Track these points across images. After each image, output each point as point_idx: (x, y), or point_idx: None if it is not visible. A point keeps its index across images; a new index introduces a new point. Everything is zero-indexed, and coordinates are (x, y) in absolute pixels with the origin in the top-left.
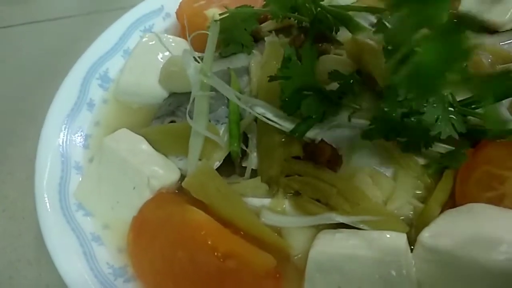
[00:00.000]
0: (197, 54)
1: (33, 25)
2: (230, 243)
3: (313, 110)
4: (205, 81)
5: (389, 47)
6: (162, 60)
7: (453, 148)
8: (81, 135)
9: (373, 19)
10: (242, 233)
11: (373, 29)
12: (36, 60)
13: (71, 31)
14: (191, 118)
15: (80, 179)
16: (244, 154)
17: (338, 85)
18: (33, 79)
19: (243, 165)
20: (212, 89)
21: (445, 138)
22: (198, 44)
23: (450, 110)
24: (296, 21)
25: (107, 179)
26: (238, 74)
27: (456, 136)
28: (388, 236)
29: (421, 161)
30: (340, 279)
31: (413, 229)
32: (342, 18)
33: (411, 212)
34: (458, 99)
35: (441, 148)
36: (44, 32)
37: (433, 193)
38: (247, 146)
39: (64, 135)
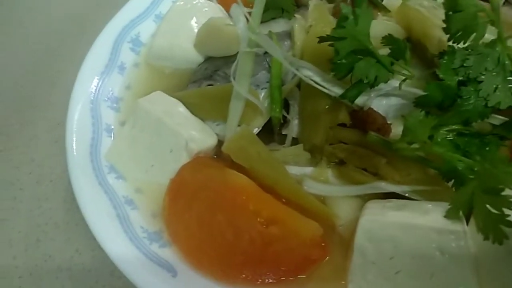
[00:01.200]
0: (246, 10)
1: None
2: (273, 209)
3: (365, 74)
4: (252, 38)
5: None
6: (196, 25)
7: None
8: (112, 98)
9: None
10: (284, 200)
11: None
12: (61, 26)
13: None
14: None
15: (112, 141)
16: (285, 121)
17: (389, 51)
18: (57, 45)
19: (283, 132)
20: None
21: (504, 108)
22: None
23: (511, 79)
24: None
25: (141, 141)
26: (279, 39)
27: None
28: (443, 206)
29: None
30: (393, 250)
31: None
32: None
33: None
34: None
35: (496, 119)
36: None
37: None
38: (287, 113)
39: (95, 97)
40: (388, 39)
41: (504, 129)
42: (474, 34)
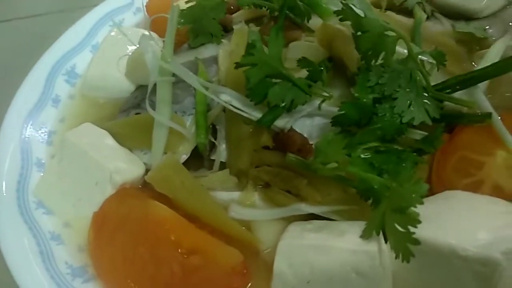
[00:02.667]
0: (157, 39)
1: (1, 24)
2: (194, 239)
3: (281, 99)
4: (165, 67)
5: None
6: (130, 54)
7: (428, 133)
8: (44, 131)
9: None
10: (208, 228)
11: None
12: (2, 58)
13: (41, 29)
14: (154, 109)
15: (41, 176)
16: (213, 147)
17: (307, 73)
18: None
19: (211, 157)
20: (178, 78)
21: (417, 124)
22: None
23: (424, 95)
24: (268, 10)
25: (68, 175)
26: (207, 64)
27: (430, 122)
28: (360, 226)
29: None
30: (310, 273)
31: None
32: (311, 3)
33: None
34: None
35: (416, 134)
36: (13, 31)
37: None
38: (215, 138)
39: (26, 131)
40: (303, 62)
41: (424, 143)
42: (383, 52)
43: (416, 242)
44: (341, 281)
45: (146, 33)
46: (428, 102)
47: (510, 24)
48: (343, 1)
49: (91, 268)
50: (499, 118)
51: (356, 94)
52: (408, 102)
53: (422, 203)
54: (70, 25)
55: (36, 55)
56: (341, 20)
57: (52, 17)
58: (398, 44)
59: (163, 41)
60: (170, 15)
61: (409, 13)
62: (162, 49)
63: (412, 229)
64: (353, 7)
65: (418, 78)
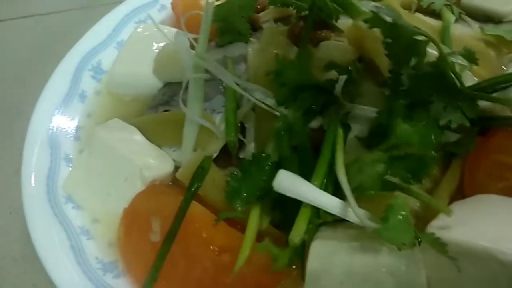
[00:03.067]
0: (191, 36)
1: (22, 20)
2: (225, 236)
3: (311, 102)
4: (200, 63)
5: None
6: (156, 51)
7: (461, 135)
8: (72, 127)
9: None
10: (239, 225)
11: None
12: (25, 56)
13: (62, 26)
14: (185, 106)
15: (70, 171)
16: (242, 145)
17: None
18: (22, 74)
19: (240, 156)
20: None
21: (455, 127)
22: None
23: (459, 96)
24: (295, 10)
25: (97, 170)
26: (235, 63)
27: (467, 123)
28: None
29: None
30: (344, 273)
31: (420, 222)
32: (342, 3)
33: (418, 204)
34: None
35: (450, 135)
36: (34, 28)
37: (440, 184)
38: (244, 137)
39: (54, 126)
40: (330, 65)
41: (457, 146)
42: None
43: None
44: (376, 283)
45: (174, 29)
46: (464, 104)
47: None
48: (373, 10)
49: (121, 263)
50: None
51: (391, 101)
52: (444, 104)
53: None
54: (92, 22)
55: (58, 52)
56: (370, 27)
57: (74, 14)
58: (428, 47)
59: (193, 38)
60: (205, 12)
61: (436, 15)
62: (197, 46)
63: (447, 233)
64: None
65: (451, 80)
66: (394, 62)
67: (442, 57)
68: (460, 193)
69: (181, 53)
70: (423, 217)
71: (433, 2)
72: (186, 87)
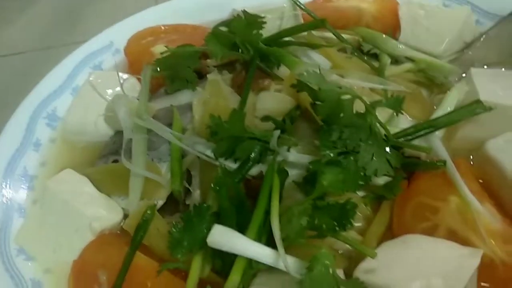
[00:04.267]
0: (131, 96)
1: None
2: (169, 286)
3: (249, 153)
4: (139, 124)
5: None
6: (109, 98)
7: (390, 179)
8: (25, 177)
9: (314, 54)
10: (183, 273)
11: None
12: None
13: (21, 67)
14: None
15: (22, 223)
16: (188, 192)
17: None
18: None
19: (187, 203)
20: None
21: (381, 176)
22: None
23: (385, 146)
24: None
25: (50, 222)
26: (182, 111)
27: (392, 173)
28: None
29: (360, 193)
30: None
31: (353, 262)
32: (278, 54)
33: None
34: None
35: (379, 179)
36: None
37: (370, 226)
38: (190, 184)
39: (7, 178)
40: (265, 119)
41: (385, 190)
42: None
43: None
44: None
45: (126, 75)
46: (389, 153)
47: (467, 67)
48: (297, 77)
49: None
50: (453, 164)
51: (321, 152)
52: (371, 154)
53: None
54: (50, 64)
55: (17, 93)
56: (298, 91)
57: (31, 56)
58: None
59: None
60: (143, 74)
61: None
62: (137, 106)
63: (371, 277)
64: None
65: (377, 130)
66: (322, 119)
67: (367, 110)
68: (390, 232)
69: (118, 115)
70: (356, 258)
71: (372, 48)
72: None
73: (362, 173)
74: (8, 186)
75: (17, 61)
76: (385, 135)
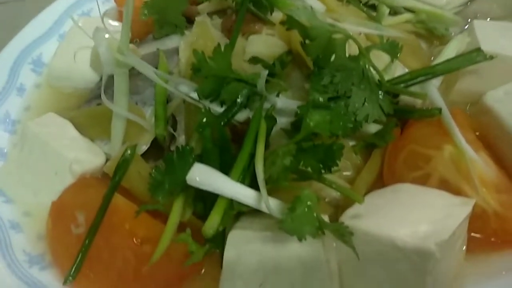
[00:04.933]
0: (113, 30)
1: None
2: (148, 228)
3: (235, 96)
4: (120, 59)
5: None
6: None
7: (381, 127)
8: (8, 121)
9: None
10: (162, 217)
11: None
12: None
13: (4, 17)
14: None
15: (2, 165)
16: (173, 138)
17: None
18: None
19: (171, 149)
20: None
21: (372, 121)
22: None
23: (378, 91)
24: (233, 2)
25: (29, 164)
26: (169, 55)
27: (384, 119)
28: None
29: (350, 142)
30: (258, 262)
31: (340, 210)
32: None
33: (337, 193)
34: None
35: (371, 127)
36: None
37: (360, 173)
38: (175, 129)
39: None
40: (253, 60)
41: (376, 137)
42: (333, 55)
43: (350, 234)
44: (287, 271)
45: (116, 23)
46: (382, 98)
47: (470, 20)
48: (287, 13)
49: (48, 256)
50: (449, 112)
51: (311, 97)
52: (363, 99)
53: None
54: (35, 14)
55: (2, 44)
56: (287, 29)
57: (15, 5)
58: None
59: None
60: (125, 7)
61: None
62: (119, 41)
63: (357, 222)
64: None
65: (370, 74)
66: (314, 60)
67: (361, 52)
68: (380, 182)
69: (98, 49)
70: (343, 206)
71: None
72: (113, 82)
73: (352, 119)
74: None
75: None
76: (378, 80)
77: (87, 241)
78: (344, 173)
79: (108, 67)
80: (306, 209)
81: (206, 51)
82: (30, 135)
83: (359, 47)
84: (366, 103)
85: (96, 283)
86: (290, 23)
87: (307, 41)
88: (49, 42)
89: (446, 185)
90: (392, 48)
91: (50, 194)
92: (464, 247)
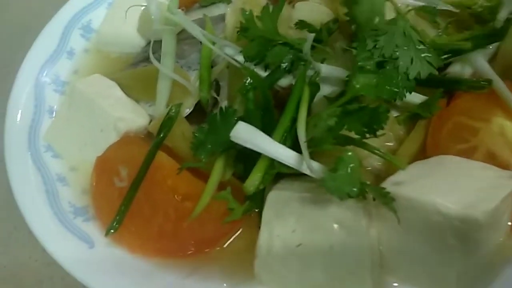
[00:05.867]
0: None
1: None
2: (189, 185)
3: (280, 60)
4: (169, 18)
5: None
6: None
7: (427, 97)
8: (58, 81)
9: None
10: (205, 176)
11: None
12: (18, 13)
13: None
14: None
15: (51, 122)
16: (216, 102)
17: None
18: (13, 33)
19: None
20: (186, 34)
21: (425, 77)
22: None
23: (422, 48)
24: None
25: (76, 121)
26: (215, 22)
27: (435, 72)
28: None
29: (394, 113)
30: (296, 222)
31: (381, 179)
32: None
33: (379, 163)
34: None
35: (415, 97)
36: None
37: (403, 143)
38: (218, 94)
39: (40, 80)
40: (300, 24)
41: (421, 108)
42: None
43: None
44: (324, 232)
45: None
46: (429, 54)
47: None
48: None
49: (91, 209)
50: (502, 82)
51: (359, 63)
52: (410, 58)
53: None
54: None
55: (51, 12)
56: None
57: None
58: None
59: None
60: None
61: None
62: (169, 1)
63: (399, 188)
64: None
65: (412, 34)
66: (356, 25)
67: (399, 13)
68: (423, 154)
69: (150, 7)
70: (385, 175)
71: None
72: (160, 43)
73: (405, 78)
74: (40, 88)
75: None
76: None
77: (129, 195)
78: (387, 144)
79: (157, 25)
80: (348, 169)
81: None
82: (77, 93)
83: (397, 9)
84: (414, 62)
85: (136, 236)
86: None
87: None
88: (98, 10)
89: (493, 159)
90: (430, 9)
91: (95, 150)
92: (510, 223)
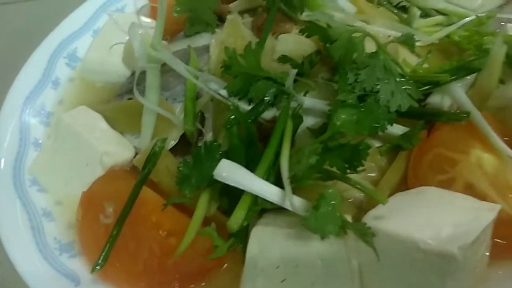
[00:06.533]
0: (149, 26)
1: (2, 7)
2: (174, 221)
3: (263, 94)
4: (153, 54)
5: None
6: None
7: (408, 129)
8: (43, 113)
9: None
10: (189, 212)
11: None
12: (5, 41)
13: (39, 13)
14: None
15: (36, 155)
16: (201, 134)
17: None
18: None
19: (199, 145)
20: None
21: (405, 109)
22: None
23: (402, 80)
24: (264, 1)
25: (62, 154)
26: (200, 53)
27: (416, 104)
28: None
29: (376, 143)
30: (280, 258)
31: (363, 212)
32: None
33: (361, 194)
34: None
35: (397, 129)
36: (12, 14)
37: (384, 175)
38: (203, 126)
39: (25, 112)
40: (282, 59)
41: (402, 140)
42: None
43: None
44: (308, 268)
45: (149, 19)
46: (409, 87)
47: (502, 24)
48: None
49: (77, 244)
50: (480, 114)
51: (339, 97)
52: (390, 91)
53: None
54: (71, 10)
55: (37, 39)
56: (307, 36)
57: (50, 1)
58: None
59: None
60: (159, 3)
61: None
62: (152, 37)
63: (379, 222)
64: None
65: (393, 67)
66: (337, 63)
67: (379, 47)
68: (404, 185)
69: (133, 43)
70: (366, 208)
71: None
72: (145, 73)
73: (386, 110)
74: (25, 120)
75: (34, 8)
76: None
77: (115, 232)
78: (369, 175)
79: (141, 61)
80: (330, 207)
81: (236, 49)
82: (63, 126)
83: (377, 43)
84: (395, 94)
85: (122, 272)
86: (309, 29)
87: (328, 45)
88: (83, 37)
89: (471, 190)
90: (408, 40)
91: (81, 184)
92: (488, 252)
